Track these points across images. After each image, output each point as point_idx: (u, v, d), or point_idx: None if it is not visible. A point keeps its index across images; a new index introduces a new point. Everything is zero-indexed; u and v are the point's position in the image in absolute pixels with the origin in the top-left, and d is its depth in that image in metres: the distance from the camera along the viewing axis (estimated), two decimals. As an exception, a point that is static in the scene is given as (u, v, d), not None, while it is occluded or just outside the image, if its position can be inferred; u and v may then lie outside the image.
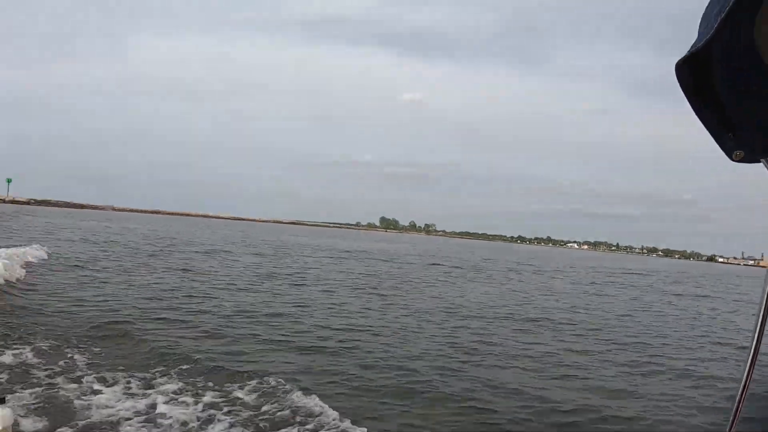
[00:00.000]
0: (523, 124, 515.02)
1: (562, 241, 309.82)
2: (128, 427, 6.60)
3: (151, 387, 8.21)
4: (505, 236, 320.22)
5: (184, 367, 9.24)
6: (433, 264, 44.75)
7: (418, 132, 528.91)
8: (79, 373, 8.49)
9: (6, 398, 2.87)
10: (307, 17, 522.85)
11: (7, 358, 8.95)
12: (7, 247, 20.89)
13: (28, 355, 9.19)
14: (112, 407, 7.23)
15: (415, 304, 19.42)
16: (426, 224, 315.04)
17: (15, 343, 9.82)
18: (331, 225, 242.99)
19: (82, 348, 10.02)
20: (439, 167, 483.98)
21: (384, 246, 78.71)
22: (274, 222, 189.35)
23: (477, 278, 34.90)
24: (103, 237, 41.78)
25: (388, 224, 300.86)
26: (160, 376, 8.72)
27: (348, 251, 53.83)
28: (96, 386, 7.98)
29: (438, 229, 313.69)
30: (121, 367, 9.02)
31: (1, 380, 7.86)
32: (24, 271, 17.66)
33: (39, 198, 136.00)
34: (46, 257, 22.42)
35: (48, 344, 9.99)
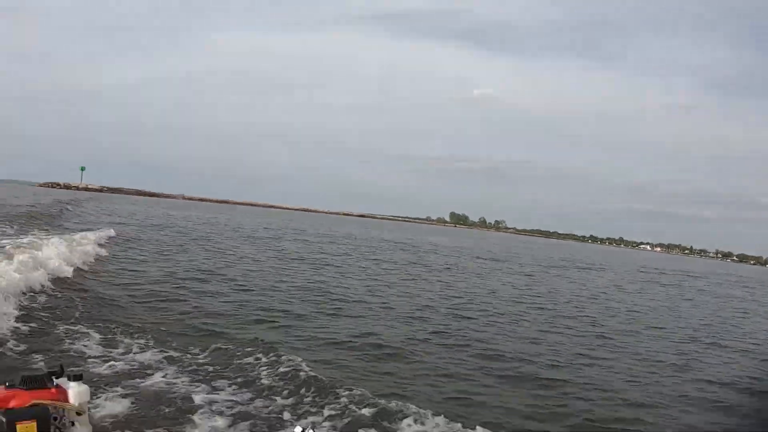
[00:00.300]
0: (596, 121, 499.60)
1: (635, 243, 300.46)
2: (200, 413, 6.84)
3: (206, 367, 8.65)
4: (577, 235, 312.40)
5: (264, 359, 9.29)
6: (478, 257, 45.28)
7: (489, 127, 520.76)
8: (150, 355, 8.96)
9: (83, 375, 2.71)
10: (380, 11, 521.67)
11: (84, 337, 9.53)
12: (81, 230, 22.36)
13: (95, 336, 9.67)
14: (175, 386, 7.64)
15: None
16: (496, 221, 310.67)
17: (84, 322, 10.47)
18: (400, 219, 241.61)
19: (149, 328, 10.60)
20: (510, 163, 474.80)
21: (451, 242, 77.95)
22: (344, 215, 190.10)
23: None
24: (168, 222, 43.44)
25: (458, 220, 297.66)
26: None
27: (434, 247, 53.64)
28: (165, 366, 8.44)
29: (508, 226, 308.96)
30: (178, 347, 9.56)
31: (77, 357, 8.31)
32: (96, 251, 18.70)
33: (112, 186, 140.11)
34: (114, 235, 23.86)
35: (117, 323, 10.68)
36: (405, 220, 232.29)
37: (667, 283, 43.01)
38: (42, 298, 11.66)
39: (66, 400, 2.54)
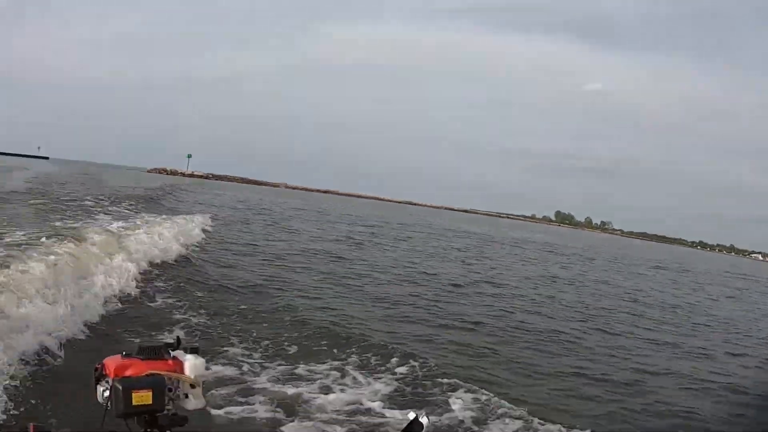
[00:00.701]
0: (713, 119, 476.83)
1: (746, 251, 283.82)
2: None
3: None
4: (686, 241, 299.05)
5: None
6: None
7: (599, 123, 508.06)
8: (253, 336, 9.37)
9: (199, 348, 2.68)
10: (485, 4, 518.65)
11: (198, 315, 10.20)
12: (186, 213, 23.53)
13: (202, 317, 10.20)
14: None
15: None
16: (602, 221, 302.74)
17: (198, 301, 11.25)
18: (503, 215, 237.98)
19: (258, 312, 11.09)
20: (619, 161, 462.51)
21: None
22: (446, 209, 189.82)
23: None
24: (269, 208, 44.14)
25: (563, 218, 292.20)
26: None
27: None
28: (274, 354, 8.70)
29: (615, 227, 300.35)
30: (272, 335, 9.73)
31: (191, 333, 8.93)
32: (201, 234, 19.46)
33: (217, 173, 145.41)
34: (212, 223, 24.10)
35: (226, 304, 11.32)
36: (509, 217, 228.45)
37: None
38: (154, 275, 12.65)
39: (182, 372, 2.55)
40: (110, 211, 23.29)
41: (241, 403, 6.67)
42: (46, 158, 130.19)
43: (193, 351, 2.65)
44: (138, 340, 7.86)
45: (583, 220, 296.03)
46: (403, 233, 39.97)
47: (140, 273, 12.12)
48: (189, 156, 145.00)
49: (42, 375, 6.69)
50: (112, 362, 2.49)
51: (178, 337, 2.73)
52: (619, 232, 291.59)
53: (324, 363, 8.43)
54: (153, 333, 8.70)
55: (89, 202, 25.16)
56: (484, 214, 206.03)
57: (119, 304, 10.05)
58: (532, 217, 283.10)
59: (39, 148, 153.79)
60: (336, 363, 8.50)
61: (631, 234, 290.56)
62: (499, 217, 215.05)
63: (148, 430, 2.45)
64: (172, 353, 2.62)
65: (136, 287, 11.27)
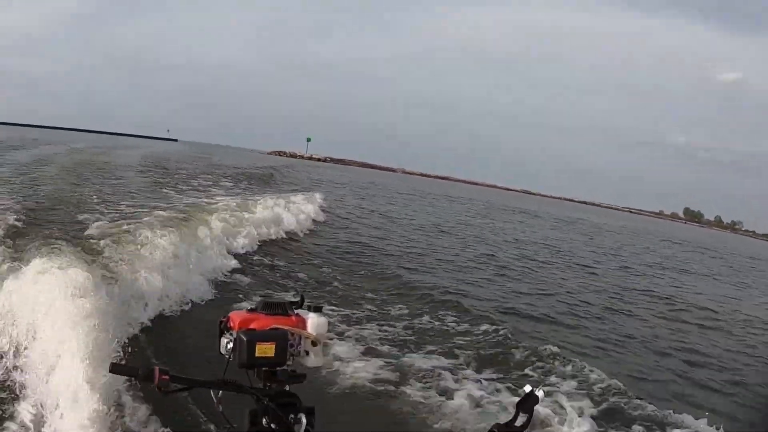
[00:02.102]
0: None
1: None
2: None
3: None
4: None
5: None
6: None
7: (735, 115, 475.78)
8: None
9: (323, 308, 2.73)
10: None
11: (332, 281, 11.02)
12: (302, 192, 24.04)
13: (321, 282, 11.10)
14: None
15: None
16: (732, 221, 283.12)
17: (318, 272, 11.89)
18: (625, 209, 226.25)
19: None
20: (757, 156, 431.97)
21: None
22: (566, 200, 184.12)
23: None
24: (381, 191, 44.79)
25: (692, 215, 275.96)
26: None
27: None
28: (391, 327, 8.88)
29: (746, 228, 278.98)
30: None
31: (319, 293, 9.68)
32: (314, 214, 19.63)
33: (335, 156, 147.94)
34: (325, 204, 24.32)
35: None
36: (633, 212, 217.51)
37: None
38: (275, 244, 13.67)
39: (304, 329, 2.64)
40: (230, 186, 24.83)
41: (357, 365, 6.98)
42: (175, 140, 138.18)
43: (317, 310, 2.72)
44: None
45: (712, 219, 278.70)
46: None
47: (261, 241, 13.15)
48: (309, 139, 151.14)
49: (166, 324, 7.40)
50: (237, 316, 2.60)
51: (302, 295, 2.83)
52: (751, 233, 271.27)
53: (441, 337, 8.72)
54: (275, 293, 9.43)
55: (211, 178, 26.85)
56: (604, 207, 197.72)
57: (241, 267, 10.87)
58: (660, 213, 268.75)
59: (168, 130, 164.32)
60: (452, 334, 8.85)
61: (764, 236, 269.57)
62: (620, 210, 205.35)
63: (267, 383, 2.59)
64: (297, 311, 2.72)
65: (259, 253, 12.33)
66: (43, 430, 4.65)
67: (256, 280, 10.40)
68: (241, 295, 9.33)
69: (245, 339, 2.49)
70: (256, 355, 2.48)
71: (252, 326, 2.56)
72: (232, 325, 2.60)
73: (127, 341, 6.01)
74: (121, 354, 5.53)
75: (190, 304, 8.21)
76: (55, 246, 8.03)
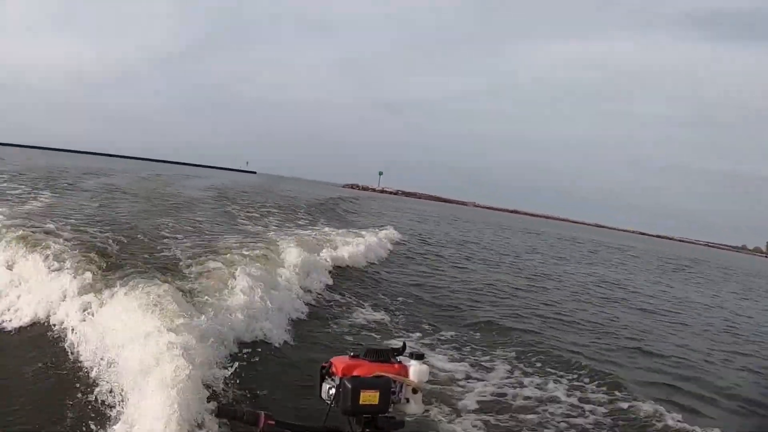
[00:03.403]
0: None
1: None
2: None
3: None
4: None
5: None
6: None
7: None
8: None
9: (424, 355, 2.83)
10: (694, 13, 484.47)
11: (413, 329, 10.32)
12: (375, 227, 23.94)
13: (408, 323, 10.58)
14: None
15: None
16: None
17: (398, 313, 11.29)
18: (704, 244, 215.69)
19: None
20: None
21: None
22: (639, 233, 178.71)
23: None
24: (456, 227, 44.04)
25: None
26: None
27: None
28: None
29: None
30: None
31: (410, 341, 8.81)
32: (385, 246, 19.67)
33: (406, 190, 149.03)
34: (400, 236, 24.33)
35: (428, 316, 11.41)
36: (714, 246, 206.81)
37: None
38: (351, 280, 13.41)
39: (406, 376, 2.67)
40: (306, 219, 25.25)
41: (453, 414, 6.72)
42: (254, 172, 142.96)
43: (418, 357, 2.76)
44: (362, 344, 8.28)
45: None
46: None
47: (335, 278, 12.97)
48: (380, 173, 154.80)
49: (259, 362, 7.39)
50: (340, 362, 2.65)
51: (404, 342, 2.86)
52: None
53: (540, 381, 8.26)
54: (359, 336, 9.23)
55: (287, 211, 27.35)
56: (678, 241, 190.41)
57: (320, 308, 10.76)
58: (743, 248, 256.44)
59: (247, 163, 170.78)
60: (550, 382, 8.29)
61: None
62: (701, 245, 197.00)
63: (367, 430, 2.61)
64: (399, 358, 2.76)
65: (338, 289, 12.23)
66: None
67: (336, 320, 10.18)
68: (321, 335, 9.25)
69: (350, 386, 2.50)
70: (360, 402, 2.50)
71: (355, 373, 2.59)
72: (334, 370, 2.64)
73: (212, 379, 6.01)
74: (207, 391, 5.50)
75: (272, 343, 8.16)
76: (142, 276, 8.35)
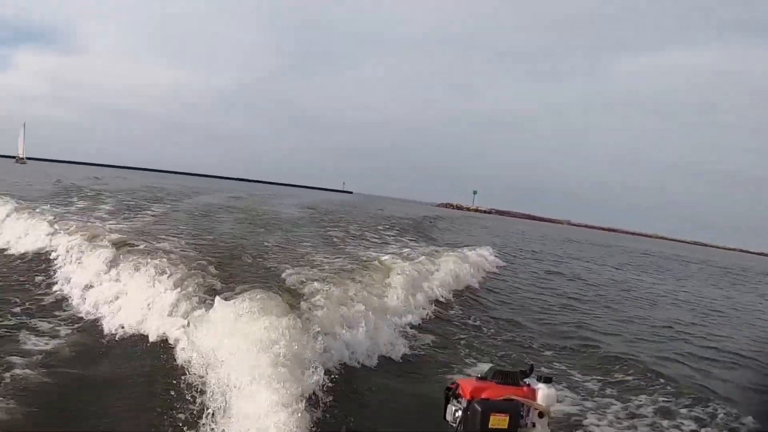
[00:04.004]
0: None
1: None
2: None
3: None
4: None
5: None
6: None
7: None
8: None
9: (552, 378, 2.70)
10: None
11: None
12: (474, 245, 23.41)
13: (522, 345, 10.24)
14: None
15: None
16: None
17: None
18: None
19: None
20: None
21: None
22: (742, 251, 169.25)
23: None
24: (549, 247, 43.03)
25: None
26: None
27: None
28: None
29: None
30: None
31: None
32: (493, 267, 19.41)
33: (500, 209, 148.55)
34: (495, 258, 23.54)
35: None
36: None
37: None
38: (460, 301, 13.08)
39: (534, 400, 2.53)
40: (403, 238, 25.22)
41: None
42: (350, 192, 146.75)
43: (547, 381, 2.62)
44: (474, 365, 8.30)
45: None
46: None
47: (443, 298, 12.72)
48: (474, 192, 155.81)
49: (356, 380, 7.25)
50: (467, 383, 2.52)
51: (531, 365, 2.78)
52: None
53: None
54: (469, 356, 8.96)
55: (384, 230, 27.64)
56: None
57: (424, 325, 10.52)
58: None
59: (344, 183, 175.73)
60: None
61: None
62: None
63: None
64: (526, 380, 2.62)
65: (444, 309, 11.94)
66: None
67: (442, 341, 9.86)
68: (436, 354, 9.00)
69: (480, 409, 2.38)
70: (490, 425, 2.38)
71: (484, 395, 2.46)
72: (461, 392, 2.51)
73: (321, 393, 5.97)
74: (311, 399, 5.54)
75: (377, 363, 8.01)
76: (247, 290, 8.31)
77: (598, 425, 6.84)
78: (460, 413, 2.46)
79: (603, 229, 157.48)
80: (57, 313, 8.54)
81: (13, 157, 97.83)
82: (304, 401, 5.19)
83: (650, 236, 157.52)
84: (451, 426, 2.49)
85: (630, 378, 8.86)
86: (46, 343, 7.16)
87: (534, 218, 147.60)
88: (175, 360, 6.73)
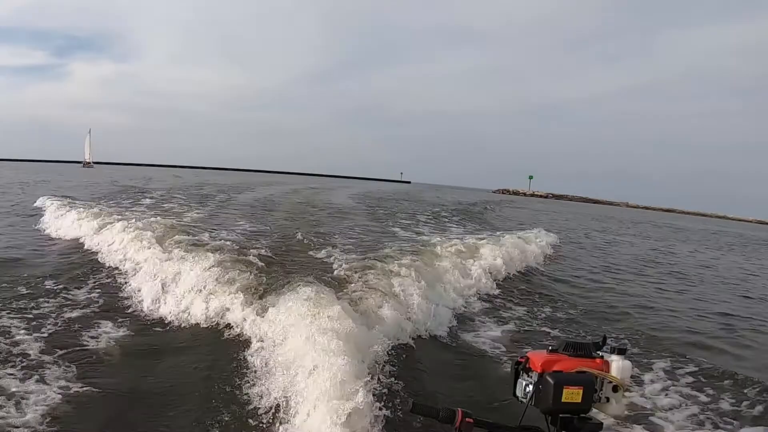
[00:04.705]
0: None
1: None
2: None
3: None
4: None
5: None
6: None
7: None
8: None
9: (627, 350, 2.55)
10: None
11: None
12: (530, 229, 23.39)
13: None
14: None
15: None
16: None
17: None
18: None
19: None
20: None
21: None
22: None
23: None
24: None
25: None
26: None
27: None
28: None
29: None
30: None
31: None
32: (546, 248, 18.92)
33: (557, 193, 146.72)
34: (557, 241, 23.09)
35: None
36: None
37: None
38: (512, 285, 12.71)
39: (608, 372, 2.43)
40: (461, 223, 25.31)
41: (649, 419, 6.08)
42: (408, 182, 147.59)
43: (621, 352, 2.51)
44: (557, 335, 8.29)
45: None
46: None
47: (501, 278, 12.80)
48: (530, 177, 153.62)
49: (434, 359, 7.34)
50: (538, 356, 2.43)
51: (604, 335, 2.61)
52: None
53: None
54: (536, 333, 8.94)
55: (441, 216, 27.70)
56: None
57: (481, 306, 10.51)
58: None
59: (401, 173, 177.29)
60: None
61: None
62: None
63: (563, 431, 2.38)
64: (599, 353, 2.51)
65: (497, 291, 11.83)
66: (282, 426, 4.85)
67: (506, 317, 9.88)
68: (490, 332, 8.96)
69: (552, 382, 2.30)
70: (563, 399, 2.30)
71: (556, 368, 2.37)
72: (532, 366, 2.43)
73: (392, 378, 6.07)
74: (370, 380, 5.45)
75: (439, 341, 8.11)
76: (305, 280, 8.58)
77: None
78: (530, 387, 2.37)
79: (662, 209, 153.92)
80: (123, 305, 8.71)
81: (80, 162, 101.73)
82: (369, 378, 5.23)
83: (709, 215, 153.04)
84: (521, 401, 2.40)
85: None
86: (112, 336, 7.29)
87: (592, 201, 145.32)
88: (235, 351, 6.85)
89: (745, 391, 7.19)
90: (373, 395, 4.97)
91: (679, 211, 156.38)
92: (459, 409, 2.24)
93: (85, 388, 5.58)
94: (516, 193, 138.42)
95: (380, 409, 4.89)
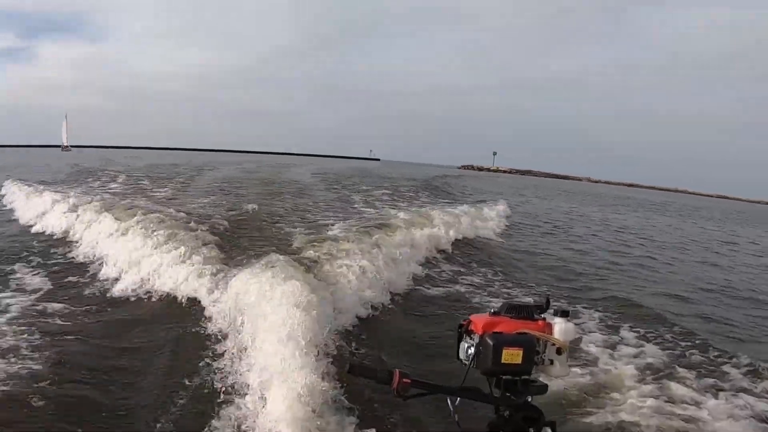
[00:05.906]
0: None
1: None
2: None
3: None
4: None
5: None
6: None
7: None
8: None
9: (570, 312, 2.55)
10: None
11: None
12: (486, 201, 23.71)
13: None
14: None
15: None
16: None
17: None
18: None
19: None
20: None
21: None
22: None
23: None
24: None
25: None
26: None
27: None
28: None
29: None
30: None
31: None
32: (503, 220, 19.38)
33: (521, 168, 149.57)
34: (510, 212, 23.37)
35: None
36: None
37: None
38: (462, 253, 12.97)
39: (551, 334, 2.44)
40: (421, 198, 25.42)
41: (595, 376, 6.09)
42: (377, 159, 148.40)
43: (564, 314, 2.51)
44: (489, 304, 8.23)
45: None
46: None
47: (455, 247, 13.04)
48: (494, 153, 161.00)
49: (385, 326, 7.55)
50: (479, 319, 2.44)
51: (548, 297, 2.59)
52: None
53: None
54: (483, 299, 9.14)
55: (402, 191, 27.80)
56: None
57: (438, 277, 10.69)
58: None
59: (371, 151, 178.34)
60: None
61: None
62: None
63: (507, 393, 2.40)
64: (542, 315, 2.52)
65: (451, 259, 12.13)
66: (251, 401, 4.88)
67: (456, 284, 10.14)
68: (440, 297, 9.24)
69: (491, 343, 2.33)
70: (502, 360, 2.32)
71: (497, 329, 2.39)
72: (473, 328, 2.44)
73: (340, 341, 6.25)
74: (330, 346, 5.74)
75: (389, 310, 8.23)
76: (265, 251, 8.84)
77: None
78: (472, 350, 2.38)
79: (624, 184, 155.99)
80: (83, 282, 8.72)
81: (59, 146, 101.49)
82: (320, 348, 5.40)
83: (671, 190, 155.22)
84: (464, 364, 2.41)
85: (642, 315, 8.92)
86: (76, 313, 7.31)
87: (554, 176, 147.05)
88: (202, 321, 6.98)
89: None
90: (325, 367, 5.11)
91: (639, 185, 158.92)
92: (396, 369, 2.26)
93: (44, 368, 5.51)
94: (480, 168, 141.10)
95: (333, 379, 5.02)
